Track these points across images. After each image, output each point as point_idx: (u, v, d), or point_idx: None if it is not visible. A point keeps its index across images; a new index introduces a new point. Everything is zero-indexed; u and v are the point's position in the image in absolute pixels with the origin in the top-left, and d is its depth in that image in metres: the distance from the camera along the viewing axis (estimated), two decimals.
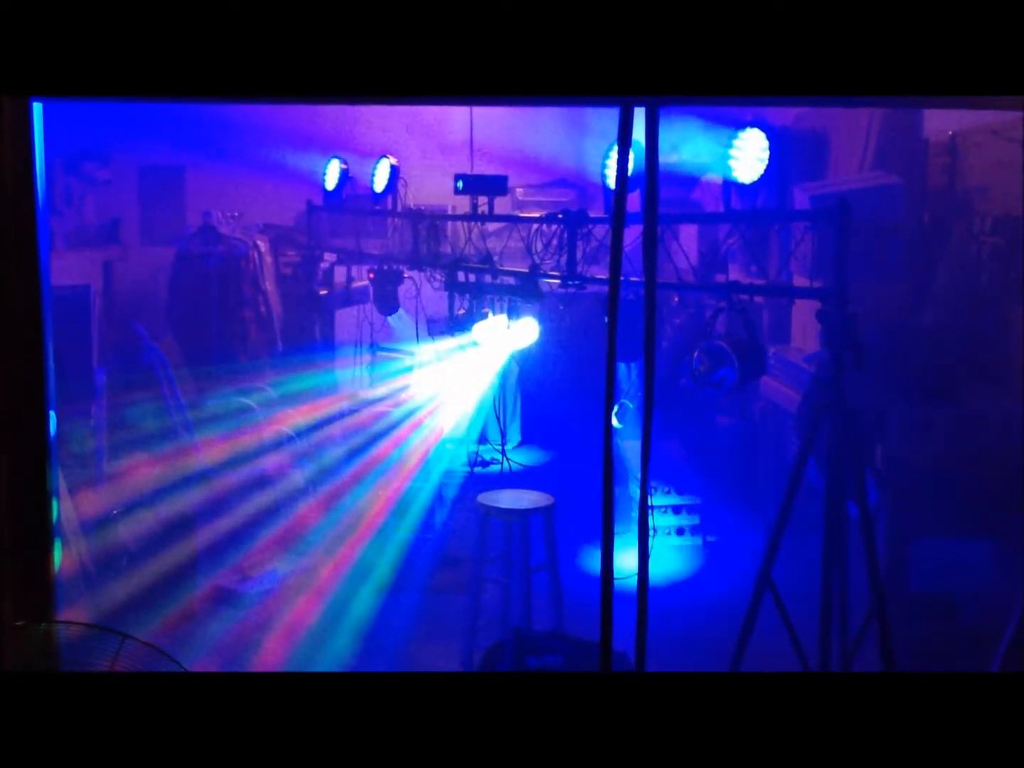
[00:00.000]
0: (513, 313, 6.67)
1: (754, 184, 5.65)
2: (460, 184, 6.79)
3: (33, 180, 2.97)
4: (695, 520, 7.43)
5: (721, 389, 5.47)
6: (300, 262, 8.95)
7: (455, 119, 9.24)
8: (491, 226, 7.19)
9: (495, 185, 6.85)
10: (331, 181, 8.39)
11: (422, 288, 7.82)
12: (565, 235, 6.34)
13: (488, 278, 6.98)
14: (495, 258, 6.85)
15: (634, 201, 2.91)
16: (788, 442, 7.23)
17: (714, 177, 9.05)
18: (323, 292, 8.54)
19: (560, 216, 6.32)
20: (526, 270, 6.57)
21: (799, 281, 6.87)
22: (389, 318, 8.27)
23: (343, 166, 8.33)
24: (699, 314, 8.48)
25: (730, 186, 5.93)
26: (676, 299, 8.61)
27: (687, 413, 7.99)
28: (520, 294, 6.60)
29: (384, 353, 8.03)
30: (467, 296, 7.01)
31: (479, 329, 6.76)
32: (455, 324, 7.01)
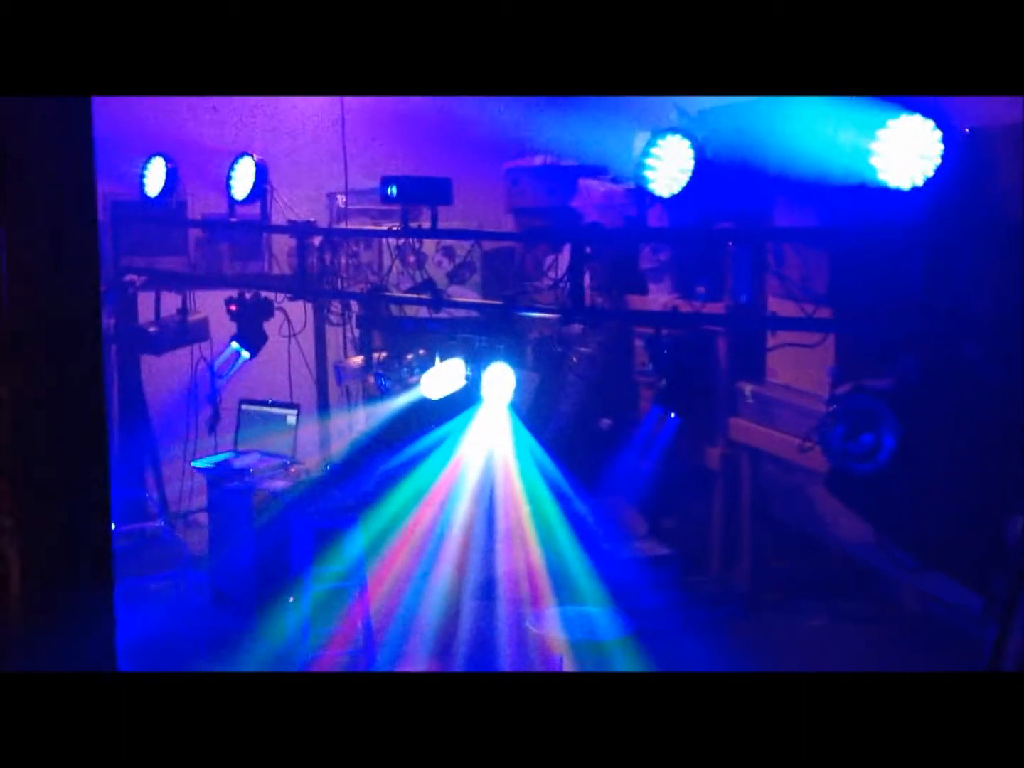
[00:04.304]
0: (476, 357, 5.15)
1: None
2: (392, 189, 5.18)
3: None
4: None
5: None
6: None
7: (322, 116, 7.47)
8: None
9: (438, 190, 5.30)
10: (154, 185, 6.42)
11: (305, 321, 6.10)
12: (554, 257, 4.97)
13: (426, 311, 5.42)
14: (442, 289, 5.31)
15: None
16: (776, 491, 6.21)
17: (601, 184, 7.98)
18: (152, 330, 6.51)
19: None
20: (496, 301, 5.11)
21: (780, 303, 5.82)
22: (248, 362, 6.42)
23: (170, 165, 6.38)
24: (612, 344, 7.31)
25: (643, 195, 4.92)
26: (579, 328, 7.37)
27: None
28: (487, 332, 5.10)
29: (254, 407, 6.16)
30: (394, 336, 5.42)
31: (429, 380, 5.17)
32: (384, 373, 5.38)
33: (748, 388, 6.17)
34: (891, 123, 3.82)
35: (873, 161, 3.87)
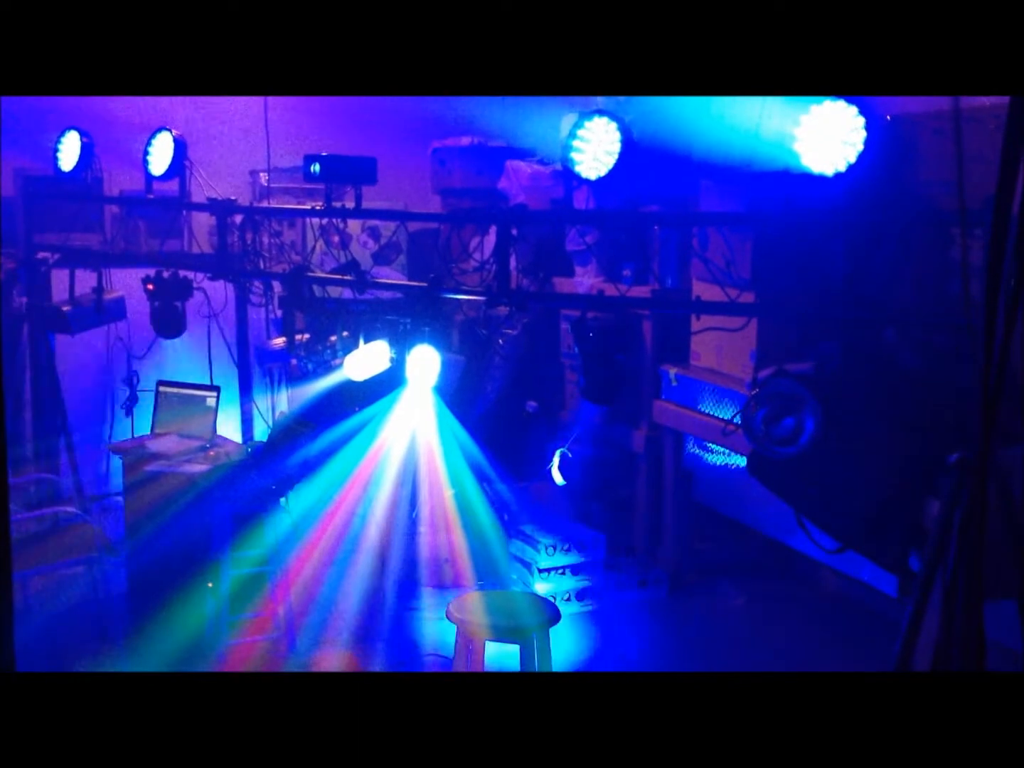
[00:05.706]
0: (400, 339, 5.08)
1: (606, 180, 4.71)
2: (316, 167, 5.08)
3: None
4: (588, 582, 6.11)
5: None
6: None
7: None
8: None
9: (363, 169, 5.20)
10: (68, 159, 6.22)
11: (225, 302, 5.97)
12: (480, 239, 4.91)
13: (350, 292, 5.34)
14: (366, 270, 5.23)
15: None
16: (699, 473, 6.24)
17: (528, 165, 7.92)
18: (66, 309, 6.31)
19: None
20: (421, 283, 5.04)
21: (705, 287, 5.84)
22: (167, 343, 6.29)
23: (85, 140, 6.19)
24: (538, 327, 7.26)
25: (570, 177, 4.87)
26: (505, 310, 7.31)
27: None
28: (412, 314, 5.03)
29: (172, 389, 6.00)
30: (317, 317, 5.33)
31: (353, 362, 5.09)
32: (307, 355, 5.29)
33: (673, 371, 6.19)
34: (814, 108, 3.83)
35: (796, 147, 3.88)
